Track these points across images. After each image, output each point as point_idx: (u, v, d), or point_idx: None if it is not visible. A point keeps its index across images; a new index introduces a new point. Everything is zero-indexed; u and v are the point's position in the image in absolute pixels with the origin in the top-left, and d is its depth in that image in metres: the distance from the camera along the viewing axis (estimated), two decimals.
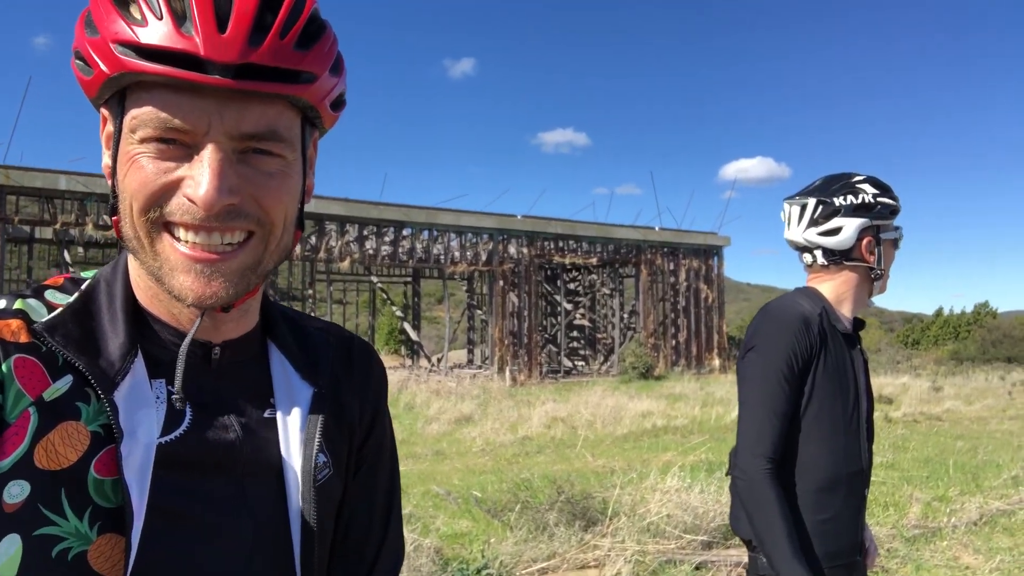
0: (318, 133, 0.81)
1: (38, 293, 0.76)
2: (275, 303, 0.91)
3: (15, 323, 0.71)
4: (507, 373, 23.65)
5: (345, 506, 0.89)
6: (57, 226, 18.42)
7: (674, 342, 27.91)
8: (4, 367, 0.67)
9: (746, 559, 5.41)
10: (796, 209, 1.91)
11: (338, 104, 0.78)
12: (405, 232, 23.39)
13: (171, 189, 0.68)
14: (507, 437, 11.40)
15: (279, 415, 0.82)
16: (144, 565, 0.68)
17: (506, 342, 24.32)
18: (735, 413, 12.13)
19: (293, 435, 0.81)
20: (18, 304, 0.73)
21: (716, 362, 28.31)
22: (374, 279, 29.30)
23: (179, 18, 0.66)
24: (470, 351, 31.07)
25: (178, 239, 0.70)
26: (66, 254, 20.37)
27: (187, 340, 0.75)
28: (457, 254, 24.25)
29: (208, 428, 0.76)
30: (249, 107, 0.68)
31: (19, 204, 18.29)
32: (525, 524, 5.47)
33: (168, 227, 0.70)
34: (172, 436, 0.73)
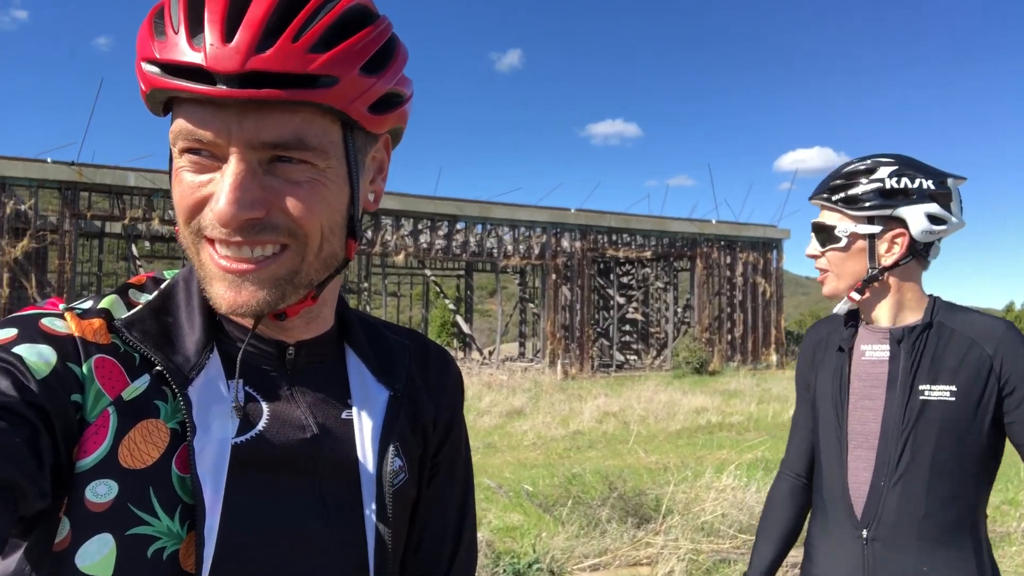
0: (389, 137, 0.80)
1: (122, 291, 0.79)
2: (353, 309, 0.91)
3: (97, 322, 0.72)
4: (559, 367, 23.62)
5: (419, 512, 0.88)
6: (126, 221, 19.14)
7: (729, 337, 27.41)
8: (85, 368, 0.69)
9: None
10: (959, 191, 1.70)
11: (382, 105, 0.73)
12: (459, 226, 23.54)
13: (203, 203, 0.69)
14: (558, 431, 11.39)
15: (355, 417, 0.81)
16: (222, 563, 0.69)
17: (558, 335, 24.27)
18: (792, 410, 11.88)
19: (368, 438, 0.81)
20: (103, 303, 0.75)
21: (773, 358, 27.70)
22: (427, 272, 29.57)
23: (194, 29, 0.65)
24: (521, 344, 31.13)
25: (215, 250, 0.71)
26: (133, 248, 21.16)
27: (248, 339, 0.76)
28: (510, 248, 24.29)
29: (284, 428, 0.76)
30: (270, 116, 0.66)
31: (91, 200, 19.06)
32: (577, 520, 5.46)
33: (209, 238, 0.71)
34: (248, 435, 0.74)
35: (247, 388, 0.76)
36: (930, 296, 1.67)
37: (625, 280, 29.71)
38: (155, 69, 0.66)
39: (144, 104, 0.73)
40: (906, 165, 1.66)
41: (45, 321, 0.71)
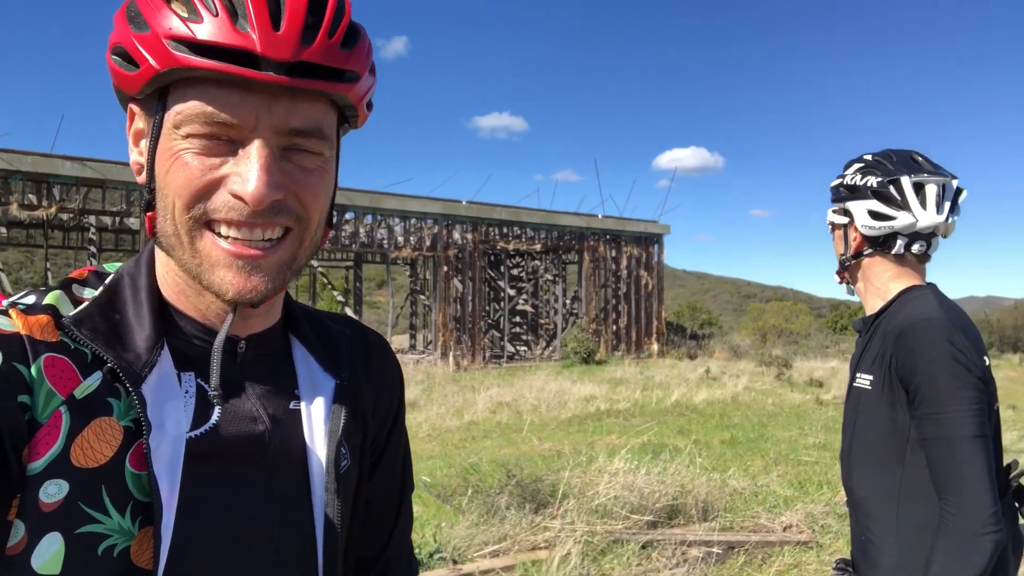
0: (347, 128, 0.82)
1: (65, 286, 0.77)
2: (296, 301, 0.92)
3: (44, 318, 0.71)
4: (451, 358, 23.63)
5: (362, 491, 0.91)
6: None
7: (615, 327, 28.35)
8: (33, 369, 0.67)
9: (689, 536, 5.50)
10: (939, 189, 1.66)
11: (370, 105, 0.79)
12: (347, 216, 23.02)
13: (215, 186, 0.69)
14: (453, 422, 11.43)
15: (304, 407, 0.83)
16: (177, 558, 0.69)
17: (450, 327, 24.28)
18: (675, 396, 12.33)
19: (318, 427, 0.82)
20: (48, 299, 0.73)
21: (655, 347, 28.89)
22: (314, 263, 28.77)
23: (233, 15, 0.67)
24: (412, 336, 30.92)
25: (219, 235, 0.70)
26: None
27: (221, 336, 0.75)
28: (401, 239, 24.02)
29: (237, 421, 0.77)
30: (297, 104, 0.69)
31: None
32: (476, 508, 5.53)
33: (209, 224, 0.70)
34: (202, 429, 0.74)
35: (199, 382, 0.76)
36: (910, 287, 1.70)
37: (515, 272, 30.08)
38: (183, 48, 0.66)
39: (124, 86, 0.71)
40: (876, 163, 1.72)
41: None
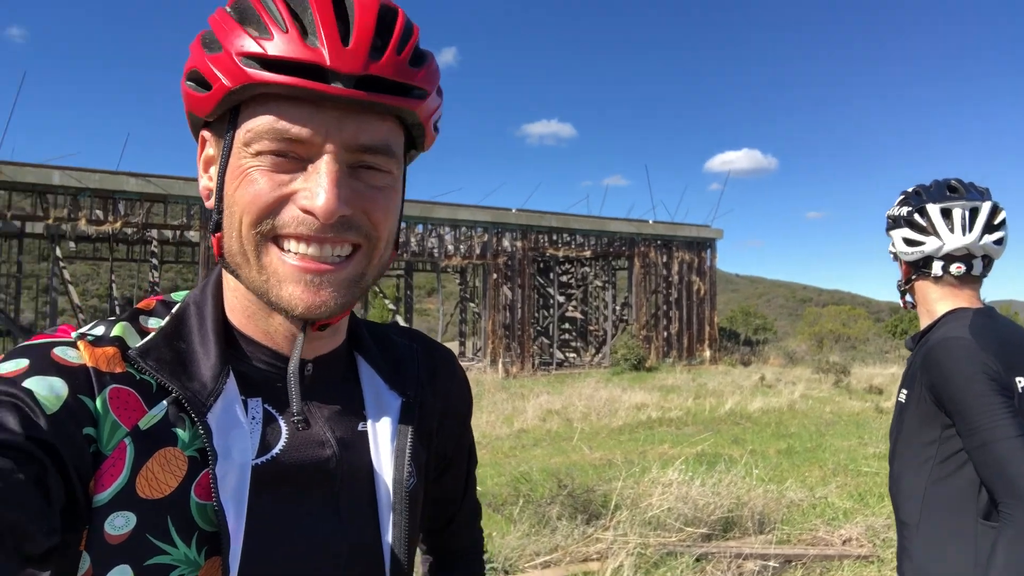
0: (415, 152, 0.81)
1: (132, 317, 0.77)
2: (360, 319, 0.92)
3: (111, 350, 0.71)
4: (500, 365, 23.71)
5: (429, 496, 0.93)
6: (50, 221, 18.31)
7: (666, 334, 28.03)
8: (99, 401, 0.67)
9: (745, 549, 5.43)
10: (966, 213, 1.76)
11: (436, 127, 0.79)
12: (400, 225, 23.33)
13: (284, 201, 0.69)
14: (503, 430, 11.45)
15: (371, 428, 0.82)
16: None
17: (499, 334, 24.37)
18: (729, 404, 12.07)
19: (384, 447, 0.82)
20: (116, 330, 0.74)
21: (707, 353, 28.46)
22: None
23: (303, 32, 0.68)
24: (462, 343, 31.11)
25: (286, 251, 0.70)
26: (57, 250, 20.25)
27: (295, 360, 0.75)
28: (451, 247, 24.24)
29: (304, 446, 0.76)
30: (366, 120, 0.70)
31: (11, 199, 18.16)
32: (527, 518, 5.53)
33: (276, 240, 0.71)
34: (269, 456, 0.74)
35: (266, 407, 0.76)
36: (955, 308, 1.77)
37: (565, 279, 30.03)
38: (255, 64, 0.67)
39: (196, 109, 0.72)
40: (913, 194, 1.85)
41: (57, 351, 0.69)
